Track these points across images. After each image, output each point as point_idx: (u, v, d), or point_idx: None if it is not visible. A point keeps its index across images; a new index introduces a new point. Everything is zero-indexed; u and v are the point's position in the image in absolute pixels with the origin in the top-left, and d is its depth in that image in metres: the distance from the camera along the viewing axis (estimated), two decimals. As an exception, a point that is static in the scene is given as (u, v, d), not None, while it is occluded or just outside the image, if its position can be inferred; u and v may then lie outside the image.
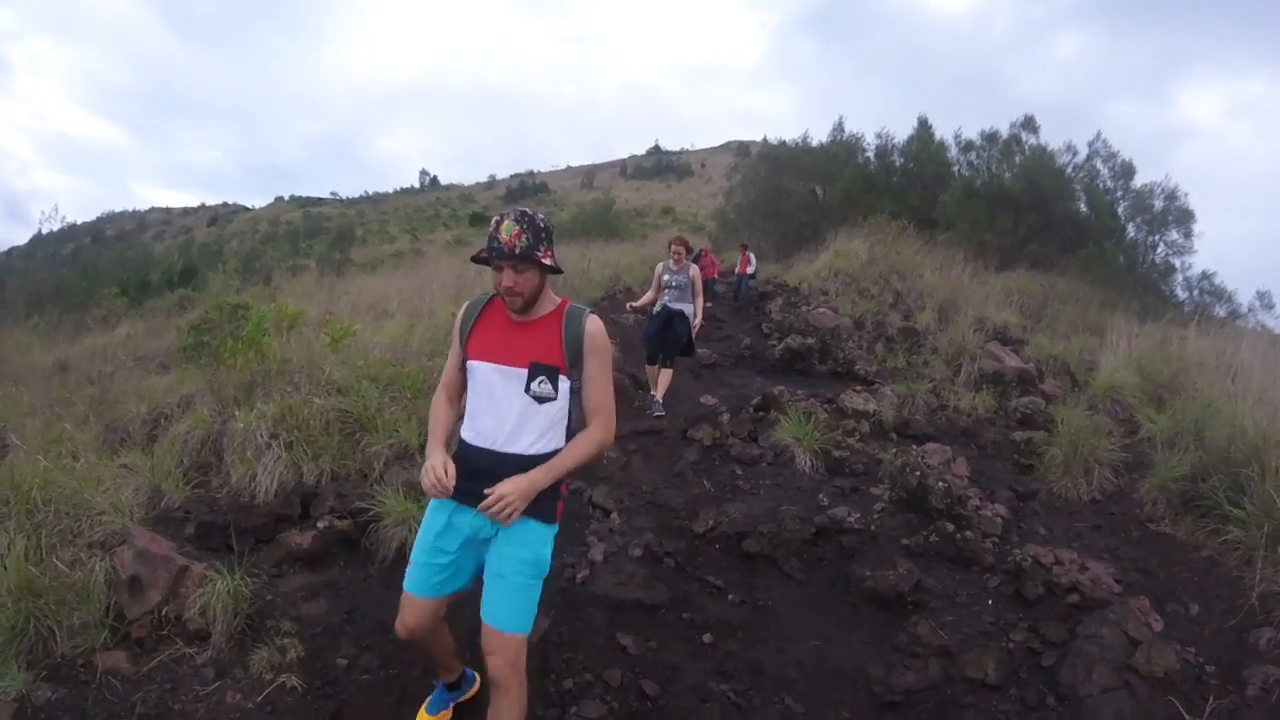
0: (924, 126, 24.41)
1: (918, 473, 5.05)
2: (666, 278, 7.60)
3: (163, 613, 3.84)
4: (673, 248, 7.66)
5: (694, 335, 7.66)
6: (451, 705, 3.42)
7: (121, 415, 6.43)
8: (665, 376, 7.50)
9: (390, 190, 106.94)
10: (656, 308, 7.64)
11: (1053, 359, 9.18)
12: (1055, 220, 19.57)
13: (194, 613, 3.77)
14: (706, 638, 4.01)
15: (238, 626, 3.79)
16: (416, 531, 4.33)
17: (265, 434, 5.20)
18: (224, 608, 3.77)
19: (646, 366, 7.77)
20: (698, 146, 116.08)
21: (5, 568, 3.74)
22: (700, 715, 3.51)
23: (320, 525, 4.48)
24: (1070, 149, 21.25)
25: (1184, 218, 19.63)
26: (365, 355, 6.46)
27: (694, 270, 7.59)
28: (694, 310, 7.52)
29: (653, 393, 7.51)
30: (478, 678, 3.48)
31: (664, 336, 7.46)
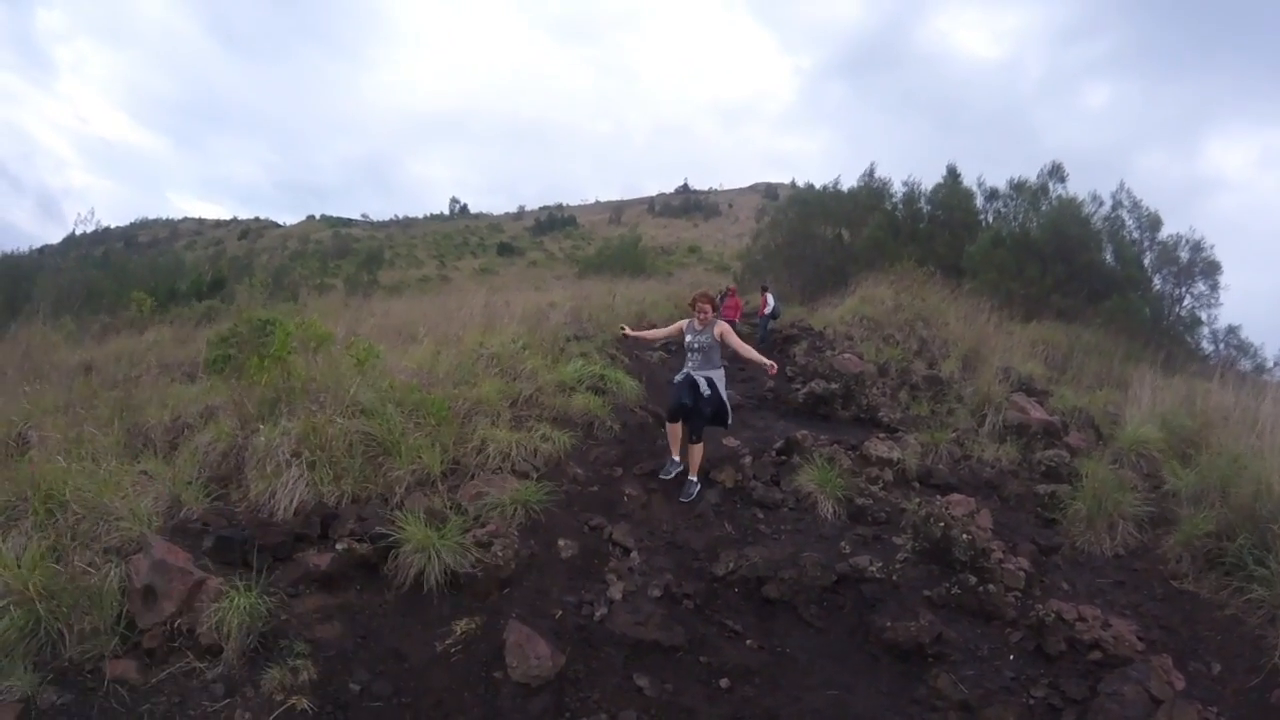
0: (952, 175, 24.45)
1: (941, 523, 4.98)
2: (689, 339, 6.59)
3: (175, 624, 3.82)
4: (698, 306, 6.58)
5: (728, 390, 6.75)
6: None
7: (144, 421, 6.45)
8: (698, 451, 6.37)
9: (420, 215, 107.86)
10: (679, 375, 6.68)
11: (1077, 411, 9.06)
12: (1081, 270, 19.43)
13: (207, 627, 3.76)
14: (724, 682, 3.96)
15: (251, 644, 3.77)
16: (436, 560, 4.32)
17: (287, 451, 5.21)
18: (238, 624, 3.75)
19: (667, 424, 6.64)
20: (726, 187, 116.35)
21: (20, 566, 3.74)
22: (714, 762, 3.46)
23: (339, 547, 4.46)
24: (1096, 199, 21.11)
25: (1210, 269, 19.43)
26: (390, 379, 6.48)
27: (720, 327, 6.54)
28: (746, 353, 6.55)
29: (674, 455, 6.56)
30: None
31: (691, 406, 6.39)
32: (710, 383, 6.44)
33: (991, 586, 4.54)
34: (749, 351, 6.57)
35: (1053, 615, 4.20)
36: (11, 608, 3.58)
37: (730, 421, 6.77)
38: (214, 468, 5.49)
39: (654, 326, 15.12)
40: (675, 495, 6.21)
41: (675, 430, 6.57)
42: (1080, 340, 14.78)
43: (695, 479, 6.32)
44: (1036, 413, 8.40)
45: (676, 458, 6.59)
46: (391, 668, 3.85)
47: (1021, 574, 4.73)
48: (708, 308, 6.59)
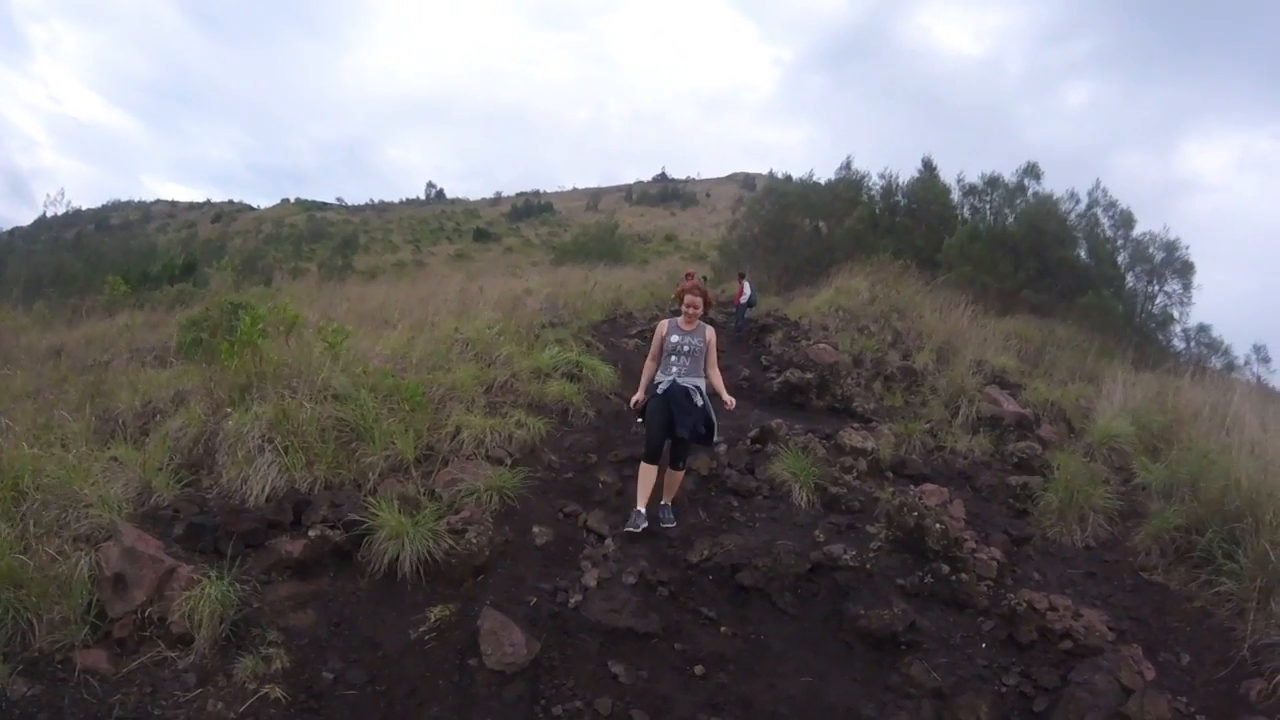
0: (929, 168, 24.64)
1: (915, 513, 5.02)
2: (675, 339, 5.56)
3: (146, 613, 3.79)
4: (687, 299, 5.60)
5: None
6: None
7: (115, 406, 6.40)
8: (676, 480, 5.59)
9: (396, 200, 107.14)
10: (661, 384, 5.51)
11: (1050, 405, 9.18)
12: (1056, 266, 19.65)
13: (179, 616, 3.73)
14: (698, 669, 3.97)
15: (223, 633, 3.75)
16: (410, 547, 4.27)
17: (259, 437, 5.16)
18: (210, 612, 3.73)
19: (642, 464, 5.43)
20: (704, 176, 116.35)
21: None
22: (690, 748, 3.48)
23: (312, 534, 4.43)
24: (1073, 196, 21.36)
25: (1184, 269, 19.74)
26: (364, 364, 6.43)
27: (709, 333, 5.62)
28: (715, 376, 5.64)
29: (640, 506, 5.32)
30: None
31: (675, 425, 5.31)
32: (700, 393, 5.47)
33: (964, 576, 4.59)
34: (717, 377, 5.66)
35: (1024, 605, 4.25)
36: None
37: (717, 439, 5.74)
38: (185, 453, 5.44)
39: (630, 316, 14.98)
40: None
41: (650, 475, 5.38)
42: (1054, 335, 14.96)
43: (670, 505, 5.59)
44: (1009, 405, 8.49)
45: (641, 508, 5.30)
46: (365, 656, 3.84)
47: (994, 564, 4.79)
48: (699, 302, 5.57)
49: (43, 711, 3.22)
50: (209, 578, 3.86)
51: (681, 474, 5.63)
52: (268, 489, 4.88)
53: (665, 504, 5.56)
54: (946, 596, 4.54)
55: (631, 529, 5.19)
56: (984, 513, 6.00)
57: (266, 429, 5.22)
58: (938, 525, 4.90)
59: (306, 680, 3.65)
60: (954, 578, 4.58)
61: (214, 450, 5.34)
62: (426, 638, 3.96)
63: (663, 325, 5.72)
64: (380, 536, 4.41)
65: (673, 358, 5.55)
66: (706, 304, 5.67)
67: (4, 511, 4.19)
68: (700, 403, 5.42)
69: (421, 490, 5.09)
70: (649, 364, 5.74)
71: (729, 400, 5.58)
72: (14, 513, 4.20)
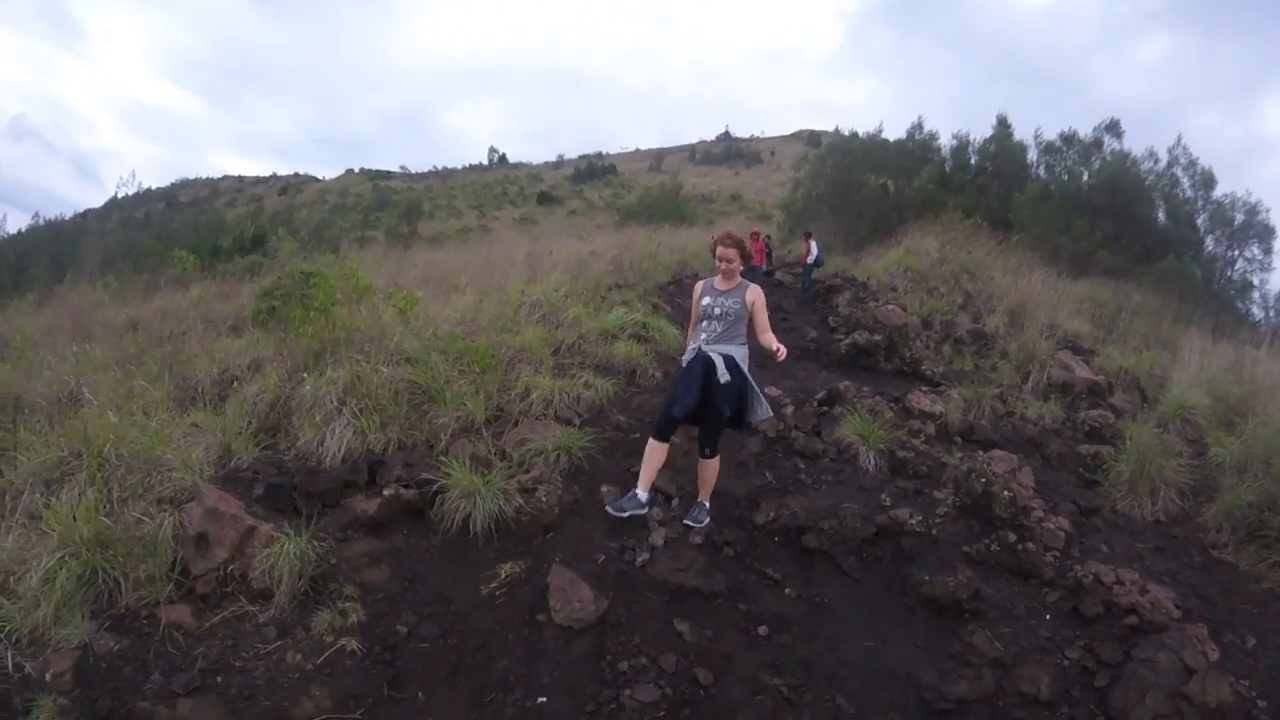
0: (1003, 125, 23.77)
1: (982, 479, 4.94)
2: (706, 301, 4.83)
3: (228, 570, 3.97)
4: (719, 252, 4.82)
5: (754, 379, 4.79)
6: None
7: (192, 375, 6.59)
8: (712, 468, 4.78)
9: (459, 166, 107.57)
10: (688, 352, 4.85)
11: (1123, 372, 8.87)
12: (1132, 228, 18.91)
13: (259, 572, 3.90)
14: (762, 630, 4.00)
15: (301, 588, 3.90)
16: (482, 505, 4.38)
17: (334, 400, 5.32)
18: (289, 569, 3.88)
19: (651, 440, 4.67)
20: (768, 134, 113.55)
21: (75, 519, 3.88)
22: (751, 708, 3.52)
23: (386, 493, 4.58)
24: (1151, 155, 20.42)
25: (1265, 234, 18.88)
26: (434, 327, 6.52)
27: (751, 293, 4.79)
28: (769, 339, 4.69)
29: (639, 489, 4.62)
30: None
31: (703, 402, 4.58)
32: (731, 364, 4.63)
33: (1030, 545, 4.52)
34: (770, 340, 4.69)
35: (1090, 577, 4.18)
36: (68, 559, 3.71)
37: (762, 417, 4.86)
38: (262, 418, 5.60)
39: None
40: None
41: (656, 455, 4.64)
42: (1129, 300, 14.45)
43: (707, 503, 4.84)
44: (1082, 371, 8.25)
45: (642, 492, 4.61)
46: (438, 610, 3.96)
47: (1061, 534, 4.69)
48: (733, 255, 4.78)
49: (128, 665, 3.39)
50: (287, 536, 4.02)
51: (713, 463, 4.76)
52: (343, 450, 5.04)
53: (701, 501, 4.84)
54: (1012, 565, 4.47)
55: (614, 511, 4.55)
56: (1053, 481, 5.85)
57: (341, 392, 5.37)
58: (1006, 492, 4.82)
59: (381, 633, 3.79)
60: (1020, 546, 4.51)
61: (290, 414, 5.51)
62: (497, 593, 4.07)
63: (698, 286, 5.05)
64: (452, 495, 4.52)
65: (703, 323, 4.85)
66: (744, 257, 4.87)
67: (90, 477, 4.39)
68: (726, 378, 4.53)
69: (492, 450, 5.18)
70: (690, 330, 5.15)
71: (778, 349, 4.59)
72: (99, 478, 4.40)
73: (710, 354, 4.64)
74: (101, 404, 5.34)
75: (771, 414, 5.03)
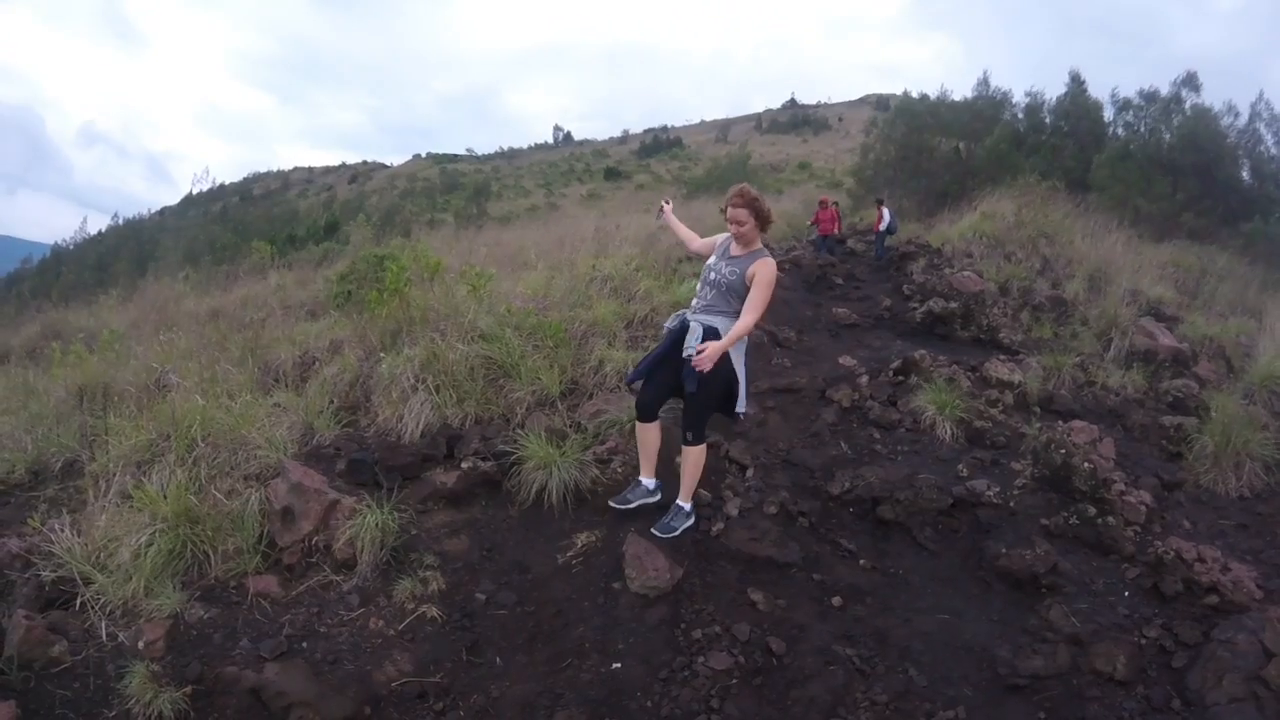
0: (1077, 83, 22.82)
1: (1062, 450, 4.81)
2: (710, 262, 4.30)
3: (312, 542, 4.13)
4: (729, 213, 4.13)
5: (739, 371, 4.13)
6: None
7: (274, 358, 6.82)
8: (692, 459, 4.23)
9: (525, 146, 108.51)
10: (672, 319, 4.41)
11: (1208, 340, 8.52)
12: (1216, 188, 18.03)
13: (342, 543, 4.05)
14: (835, 601, 3.99)
15: (383, 558, 4.04)
16: (557, 476, 4.46)
17: (411, 377, 5.47)
18: (371, 540, 4.03)
19: (637, 423, 4.36)
20: (835, 100, 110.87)
21: (165, 497, 4.07)
22: (823, 678, 3.51)
23: (464, 466, 4.70)
24: (1231, 110, 19.35)
25: (1358, 195, 17.83)
26: (507, 304, 6.63)
27: (757, 265, 4.04)
28: (742, 322, 3.97)
29: (643, 476, 4.43)
30: None
31: (670, 376, 4.17)
32: (712, 335, 4.01)
33: (1111, 519, 4.39)
34: (744, 322, 3.97)
35: (1172, 554, 4.04)
36: (159, 535, 3.89)
37: (744, 409, 4.27)
38: (343, 397, 5.80)
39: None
40: (791, 414, 5.92)
41: (644, 434, 4.32)
42: (1213, 264, 13.85)
43: (687, 505, 4.28)
44: (1165, 339, 7.95)
45: (647, 480, 4.40)
46: (515, 579, 4.05)
47: (1142, 508, 4.54)
48: (744, 215, 4.07)
49: (218, 632, 3.54)
50: (369, 508, 4.15)
51: (693, 451, 4.21)
52: (421, 425, 5.19)
53: (678, 503, 4.28)
54: (1091, 540, 4.35)
55: (619, 505, 4.34)
56: (1134, 454, 5.66)
57: (418, 370, 5.51)
58: (1086, 464, 4.69)
59: (460, 601, 3.90)
60: (1100, 520, 4.38)
61: (370, 392, 5.70)
62: (573, 562, 4.14)
63: (717, 239, 4.44)
64: (528, 467, 4.61)
65: (699, 288, 4.31)
66: (759, 217, 4.12)
67: (179, 458, 4.60)
68: (690, 351, 3.92)
69: (567, 423, 5.25)
70: (691, 236, 4.77)
71: (707, 352, 3.77)
72: (188, 459, 4.61)
73: (692, 324, 4.13)
74: (189, 388, 5.58)
75: (745, 410, 4.30)
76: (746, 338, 4.11)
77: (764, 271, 4.01)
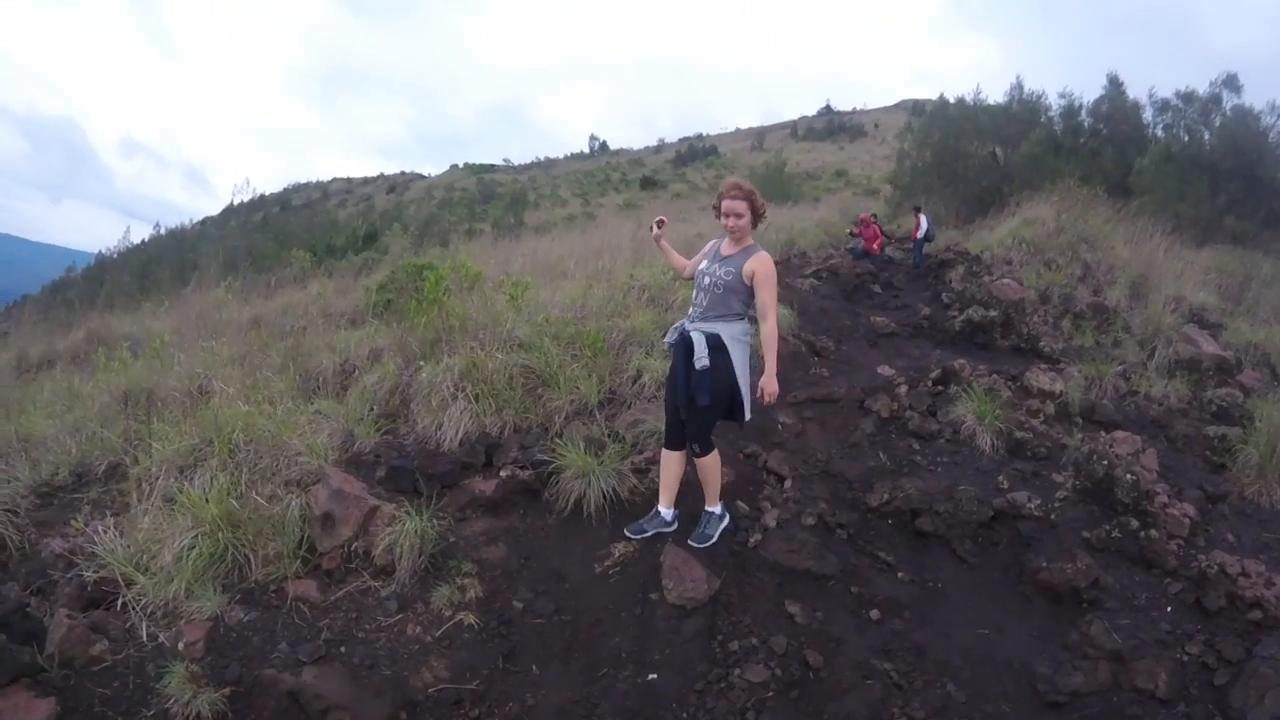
0: (1115, 85, 22.41)
1: (1104, 462, 4.73)
2: (704, 266, 4.13)
3: (352, 547, 4.19)
4: (723, 206, 4.00)
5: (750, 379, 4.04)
6: None
7: (314, 366, 6.89)
8: (708, 466, 4.16)
9: (561, 156, 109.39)
10: (670, 333, 4.23)
11: (1253, 347, 8.36)
12: (1259, 190, 17.64)
13: (382, 549, 4.11)
14: (873, 614, 3.98)
15: (421, 564, 4.09)
16: (596, 485, 4.48)
17: (450, 386, 5.53)
18: (410, 546, 4.08)
19: (664, 450, 4.29)
20: (871, 106, 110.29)
21: (207, 501, 4.15)
22: (861, 692, 3.50)
23: (503, 474, 4.73)
24: (1274, 109, 18.79)
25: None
26: (545, 313, 6.65)
27: (754, 262, 3.92)
28: (765, 335, 3.88)
29: (661, 505, 4.33)
30: None
31: (679, 389, 4.00)
32: (714, 345, 3.92)
33: (1154, 532, 4.31)
34: (769, 333, 3.88)
35: (1215, 568, 3.96)
36: (201, 538, 3.96)
37: (749, 416, 4.10)
38: (382, 404, 5.86)
39: (804, 256, 14.38)
40: (830, 424, 5.90)
41: (669, 463, 4.26)
42: (1258, 268, 13.53)
43: (717, 509, 4.28)
44: (1209, 347, 7.78)
45: (665, 509, 4.32)
46: (553, 587, 4.08)
47: (1186, 521, 4.45)
48: (742, 209, 3.96)
49: (257, 635, 3.60)
50: (409, 515, 4.21)
51: (708, 461, 4.13)
52: (460, 433, 5.24)
53: (708, 510, 4.28)
54: (1134, 553, 4.28)
55: (633, 534, 4.28)
56: (1178, 465, 5.54)
57: (457, 378, 5.57)
58: (1129, 476, 4.60)
59: (498, 608, 3.93)
60: (1143, 534, 4.30)
61: (409, 400, 5.76)
62: (610, 572, 4.16)
63: (706, 249, 4.34)
64: (567, 476, 4.63)
65: (695, 295, 4.15)
66: (755, 211, 4.02)
67: (221, 463, 4.68)
68: (704, 362, 3.84)
69: (605, 432, 5.25)
70: (677, 258, 4.66)
71: (769, 389, 3.86)
72: (230, 464, 4.69)
73: (691, 333, 3.97)
74: (231, 394, 5.65)
75: (748, 417, 4.13)
76: (747, 342, 4.04)
77: (764, 269, 3.91)
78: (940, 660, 3.71)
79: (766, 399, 3.89)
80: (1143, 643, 3.68)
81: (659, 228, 4.59)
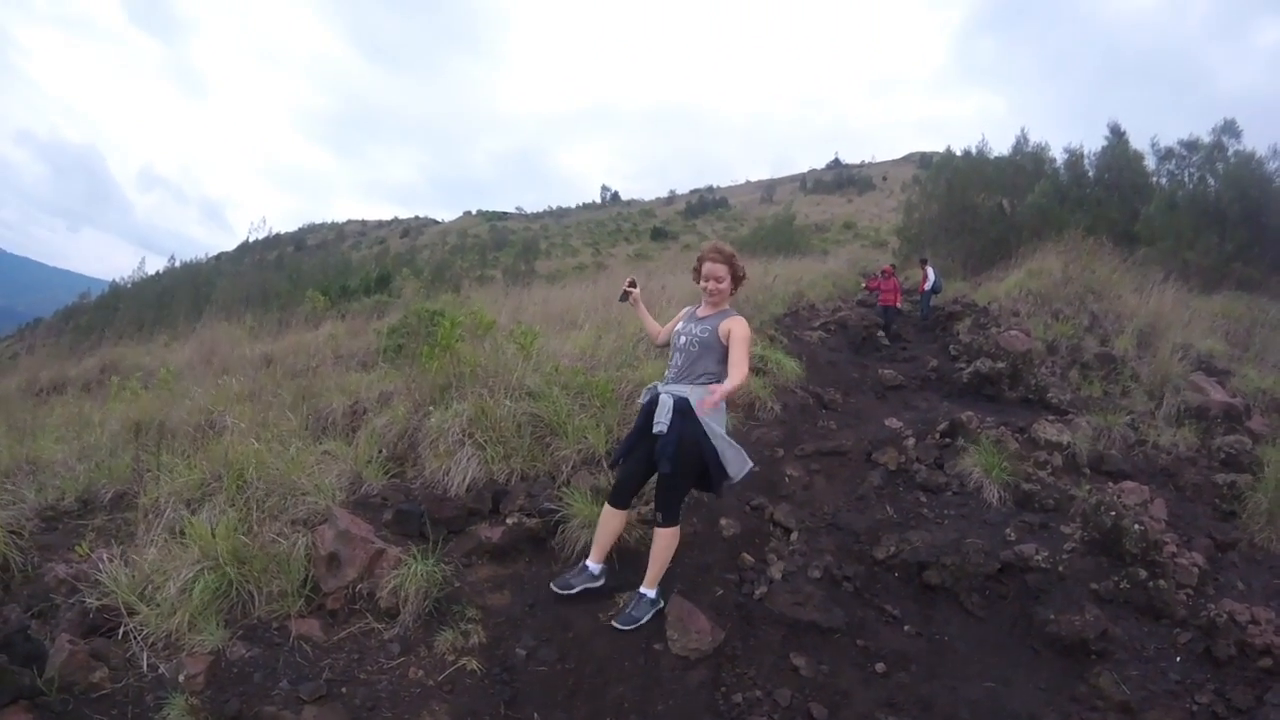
0: (1117, 135, 22.73)
1: (1113, 512, 4.73)
2: (680, 326, 4.19)
3: (356, 589, 4.18)
4: (705, 269, 4.08)
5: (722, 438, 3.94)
6: None
7: (325, 406, 6.95)
8: (664, 542, 4.03)
9: (573, 205, 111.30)
10: (645, 394, 4.25)
11: (1261, 393, 8.37)
12: (1265, 235, 17.75)
13: (386, 592, 4.10)
14: (879, 667, 3.95)
15: (426, 608, 4.08)
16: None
17: (459, 432, 5.56)
18: (415, 590, 4.07)
19: (607, 505, 4.20)
20: (879, 159, 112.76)
21: (214, 536, 4.16)
22: (867, 745, 3.47)
23: (509, 521, 4.76)
24: (1276, 153, 19.02)
25: None
26: (555, 363, 6.71)
27: (731, 321, 3.94)
28: (726, 387, 3.61)
29: (590, 560, 4.27)
30: None
31: (647, 454, 4.01)
32: (681, 409, 3.85)
33: (1162, 582, 4.30)
34: (732, 379, 3.70)
35: (1224, 616, 3.96)
36: (206, 572, 3.97)
37: (734, 473, 3.96)
38: (391, 448, 5.90)
39: (813, 308, 14.43)
40: (837, 476, 5.92)
41: (608, 520, 4.17)
42: (1265, 314, 13.54)
43: (652, 592, 4.07)
44: (1217, 394, 7.79)
45: (593, 564, 4.23)
46: (557, 635, 4.05)
47: (1195, 570, 4.46)
48: (722, 273, 4.01)
49: (258, 671, 3.57)
50: (414, 559, 4.21)
51: (665, 533, 3.99)
52: (468, 479, 5.26)
53: (641, 592, 4.08)
54: (1142, 604, 4.27)
55: (560, 589, 4.18)
56: (1187, 514, 5.54)
57: (466, 425, 5.60)
58: (1137, 526, 4.61)
59: (501, 655, 3.91)
60: (1152, 584, 4.30)
61: (418, 444, 5.79)
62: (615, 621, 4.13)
63: (680, 314, 4.40)
64: (573, 525, 4.67)
65: (671, 356, 4.15)
66: (735, 277, 4.07)
67: (230, 498, 4.72)
68: (661, 427, 3.82)
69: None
70: (651, 324, 4.69)
71: (711, 398, 3.57)
72: (239, 499, 4.72)
73: (662, 396, 3.93)
74: (242, 431, 5.69)
75: (750, 466, 4.02)
76: (725, 407, 3.96)
77: (739, 328, 3.89)
78: (948, 714, 3.67)
79: (700, 403, 3.78)
80: (1152, 693, 3.66)
81: (631, 288, 4.60)
